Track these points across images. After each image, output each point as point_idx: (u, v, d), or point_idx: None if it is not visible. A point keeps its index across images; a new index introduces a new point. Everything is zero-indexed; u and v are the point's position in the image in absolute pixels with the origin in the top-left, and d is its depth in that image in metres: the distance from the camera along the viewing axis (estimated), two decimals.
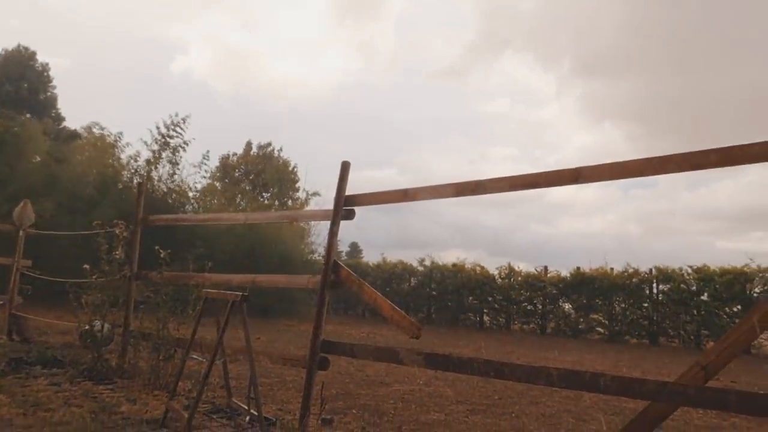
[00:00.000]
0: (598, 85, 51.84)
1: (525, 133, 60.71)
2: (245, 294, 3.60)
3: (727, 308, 13.00)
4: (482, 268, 17.31)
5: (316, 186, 24.19)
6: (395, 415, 4.71)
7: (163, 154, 15.67)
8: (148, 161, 15.65)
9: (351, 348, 4.05)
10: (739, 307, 12.72)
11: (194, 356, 4.22)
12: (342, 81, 59.90)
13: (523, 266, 16.91)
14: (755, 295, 12.52)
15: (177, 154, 15.82)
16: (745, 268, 13.05)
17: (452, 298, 17.28)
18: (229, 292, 3.88)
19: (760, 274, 12.78)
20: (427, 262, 18.51)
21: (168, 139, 15.74)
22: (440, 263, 18.17)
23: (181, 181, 16.02)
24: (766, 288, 12.54)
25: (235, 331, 4.07)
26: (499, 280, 16.87)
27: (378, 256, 20.63)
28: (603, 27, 46.91)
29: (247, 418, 3.89)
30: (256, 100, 54.46)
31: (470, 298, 17.12)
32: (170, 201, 15.30)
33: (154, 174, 15.49)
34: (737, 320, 11.34)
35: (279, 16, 58.64)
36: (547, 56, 53.14)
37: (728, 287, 12.97)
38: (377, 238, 51.77)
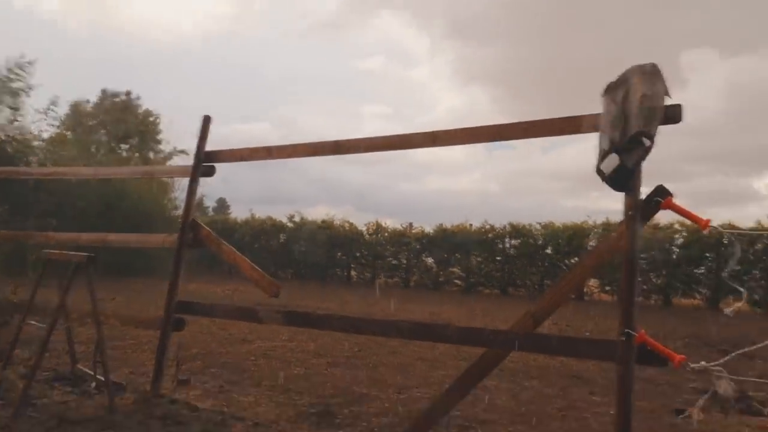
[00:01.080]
0: (467, 49, 53.76)
1: (398, 91, 61.50)
2: (91, 255, 3.39)
3: (566, 260, 14.49)
4: (351, 224, 17.67)
5: (182, 137, 22.90)
6: (256, 371, 4.76)
7: (2, 98, 13.90)
8: None
9: (209, 308, 3.99)
10: (576, 258, 14.21)
11: (33, 322, 3.91)
12: (212, 28, 56.00)
13: (391, 222, 17.50)
14: (589, 247, 14.07)
15: (18, 98, 14.11)
16: (584, 224, 14.62)
17: (321, 254, 17.49)
18: (74, 253, 3.61)
19: (595, 230, 14.38)
20: (297, 219, 18.48)
21: (8, 82, 13.96)
22: (309, 219, 18.23)
23: (23, 128, 14.36)
24: (599, 241, 14.09)
25: (86, 292, 3.82)
26: (367, 236, 17.31)
27: (246, 212, 20.27)
28: None
29: (93, 384, 3.71)
30: (115, 42, 49.07)
31: (339, 254, 17.43)
32: (10, 150, 13.69)
33: None
34: None
35: None
36: (422, 16, 53.93)
37: (569, 241, 14.46)
38: (245, 194, 50.43)
